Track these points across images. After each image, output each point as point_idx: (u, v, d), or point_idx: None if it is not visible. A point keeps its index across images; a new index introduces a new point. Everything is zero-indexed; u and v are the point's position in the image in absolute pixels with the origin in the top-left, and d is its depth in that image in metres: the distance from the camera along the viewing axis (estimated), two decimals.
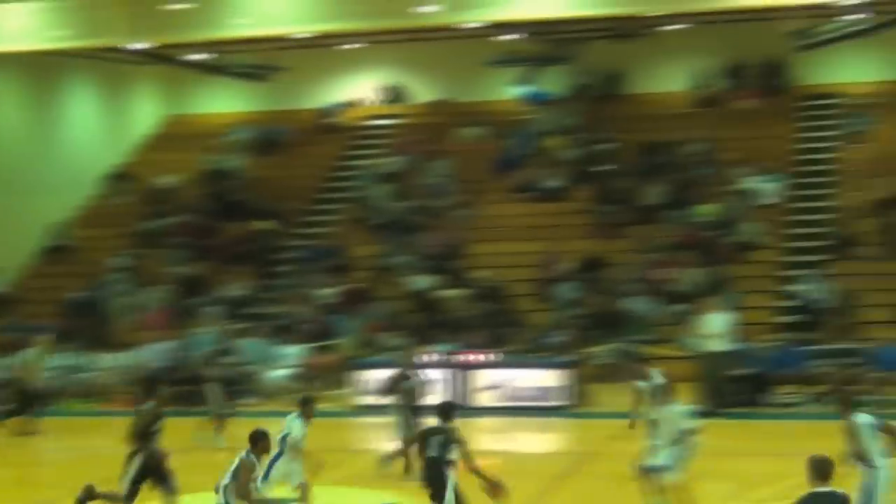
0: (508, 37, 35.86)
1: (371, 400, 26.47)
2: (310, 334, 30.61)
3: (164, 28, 29.91)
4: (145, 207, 37.36)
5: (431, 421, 15.78)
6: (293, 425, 16.17)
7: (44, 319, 31.67)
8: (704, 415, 20.84)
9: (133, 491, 16.12)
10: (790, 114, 36.99)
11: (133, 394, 24.97)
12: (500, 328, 30.24)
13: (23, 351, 27.29)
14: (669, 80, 38.32)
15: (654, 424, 16.82)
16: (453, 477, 14.63)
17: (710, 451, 19.16)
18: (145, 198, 37.81)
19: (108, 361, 30.19)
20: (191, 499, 16.41)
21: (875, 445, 13.95)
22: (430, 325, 30.60)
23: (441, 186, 36.05)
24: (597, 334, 29.70)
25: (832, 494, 11.10)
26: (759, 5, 27.90)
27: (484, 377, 27.02)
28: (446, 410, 15.27)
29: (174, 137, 41.09)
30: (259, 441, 14.29)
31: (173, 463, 16.31)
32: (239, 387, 28.45)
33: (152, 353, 29.66)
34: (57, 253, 36.42)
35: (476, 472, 14.57)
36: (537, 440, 25.19)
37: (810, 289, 29.99)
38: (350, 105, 40.44)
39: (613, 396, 27.01)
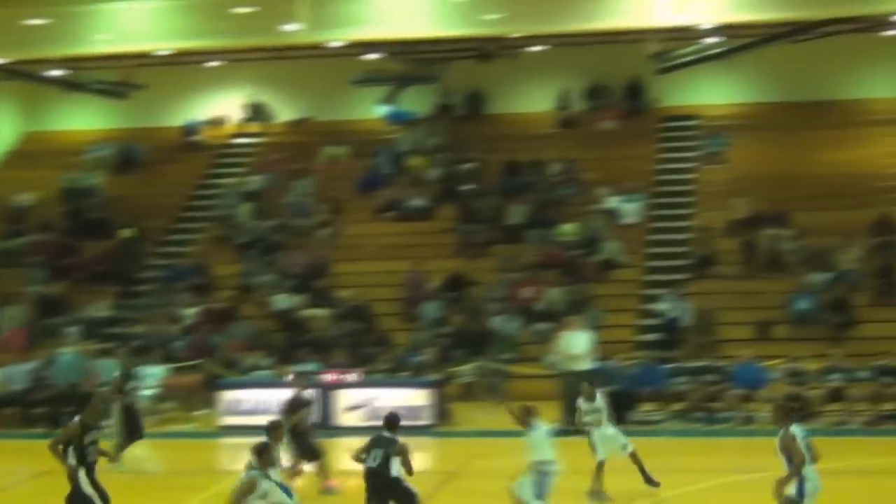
0: (372, 56, 35.97)
1: (234, 420, 26.36)
2: (172, 354, 30.34)
3: (22, 43, 29.60)
4: (2, 225, 36.79)
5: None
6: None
7: None
8: (567, 433, 21.05)
9: None
10: (650, 135, 37.67)
11: None
12: (364, 347, 30.32)
13: None
14: (531, 100, 38.78)
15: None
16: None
17: (573, 469, 19.39)
18: (2, 216, 37.23)
19: None
20: None
21: (807, 456, 14.11)
22: (294, 344, 30.52)
23: (304, 205, 36.04)
24: (461, 353, 29.88)
25: None
26: (618, 28, 28.38)
27: (348, 397, 26.95)
28: (392, 422, 15.62)
29: (32, 154, 40.46)
30: (262, 454, 13.97)
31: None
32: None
33: (10, 375, 29.10)
34: None
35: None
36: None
37: (670, 307, 30.50)
38: (213, 123, 40.24)
39: (477, 415, 27.28)
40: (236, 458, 25.11)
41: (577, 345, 25.38)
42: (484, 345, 30.19)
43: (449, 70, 36.78)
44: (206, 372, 29.66)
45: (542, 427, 16.96)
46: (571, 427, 22.28)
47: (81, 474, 15.38)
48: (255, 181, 37.27)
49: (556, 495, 16.49)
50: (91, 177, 38.16)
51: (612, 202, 34.52)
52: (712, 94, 38.06)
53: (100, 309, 33.03)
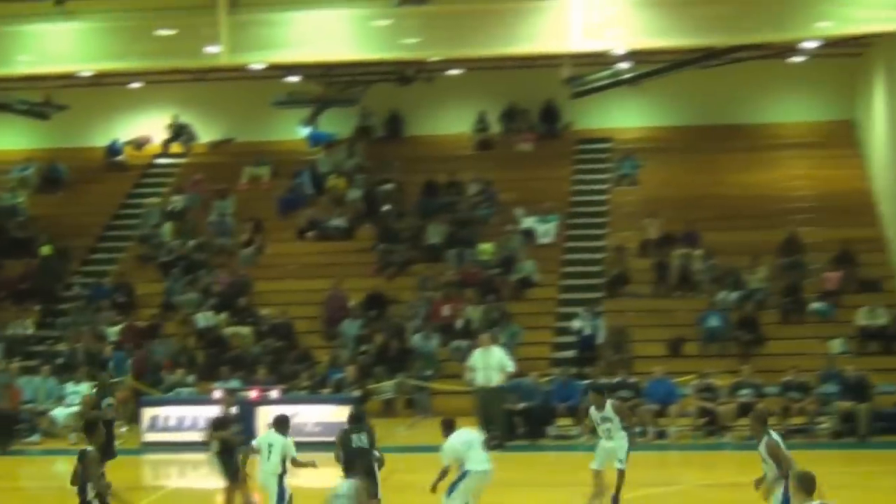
0: (293, 78, 36.36)
1: (157, 437, 26.66)
2: (95, 371, 30.54)
3: None
4: None
5: None
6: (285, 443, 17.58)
7: None
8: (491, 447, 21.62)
9: None
10: (565, 157, 38.28)
11: None
12: (286, 365, 30.64)
13: None
14: (449, 122, 39.32)
15: None
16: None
17: (492, 483, 19.96)
18: None
19: None
20: None
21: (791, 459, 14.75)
22: (217, 362, 30.82)
23: (226, 225, 36.34)
24: (381, 370, 30.30)
25: None
26: (533, 53, 28.84)
27: (269, 413, 27.24)
28: (359, 417, 18.06)
29: None
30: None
31: None
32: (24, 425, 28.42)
33: None
34: None
35: None
36: (322, 475, 25.54)
37: (585, 325, 31.04)
38: (136, 143, 40.41)
39: (397, 431, 27.73)
40: (159, 474, 25.61)
41: (494, 361, 25.90)
42: (404, 362, 30.63)
43: (369, 92, 37.17)
44: (130, 389, 29.92)
45: (462, 434, 17.64)
46: (493, 443, 22.81)
47: None
48: (178, 201, 37.49)
49: None
50: (14, 196, 38.18)
51: (529, 222, 35.09)
52: (625, 117, 38.74)
53: (23, 327, 33.17)
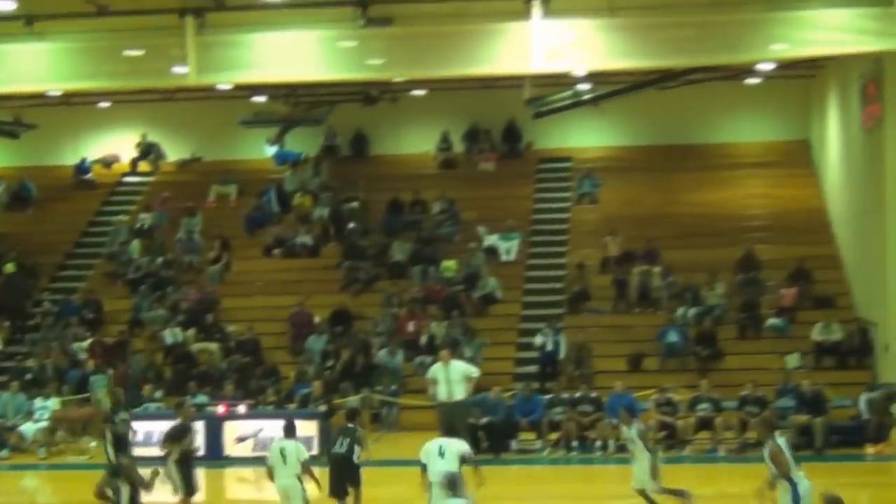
0: (259, 98, 36.74)
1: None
2: (64, 387, 30.82)
3: None
4: None
5: None
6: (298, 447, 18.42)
7: None
8: None
9: None
10: (527, 176, 38.79)
11: None
12: (252, 380, 30.92)
13: None
14: (413, 142, 39.82)
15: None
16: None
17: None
18: None
19: None
20: None
21: (794, 466, 15.41)
22: (184, 377, 31.14)
23: (194, 242, 36.66)
24: (347, 385, 30.63)
25: None
26: (495, 74, 29.15)
27: (237, 428, 27.52)
28: (352, 414, 18.94)
29: None
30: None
31: None
32: None
33: None
34: None
35: None
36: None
37: (547, 341, 31.39)
38: (104, 162, 40.70)
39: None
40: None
41: (453, 376, 26.22)
42: (369, 377, 31.02)
43: (334, 112, 37.53)
44: (98, 405, 30.10)
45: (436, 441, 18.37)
46: None
47: None
48: (146, 218, 37.79)
49: None
50: None
51: (491, 240, 35.55)
52: (585, 137, 39.26)
53: None
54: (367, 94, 36.07)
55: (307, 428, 27.09)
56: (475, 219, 36.37)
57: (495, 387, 28.13)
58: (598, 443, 26.98)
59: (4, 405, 29.81)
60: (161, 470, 17.86)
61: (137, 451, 26.74)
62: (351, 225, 36.58)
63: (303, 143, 39.51)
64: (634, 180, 37.81)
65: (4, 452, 28.54)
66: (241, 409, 27.92)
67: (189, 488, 20.20)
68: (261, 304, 34.53)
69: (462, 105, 38.85)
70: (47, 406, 29.26)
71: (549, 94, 32.44)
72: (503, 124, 39.44)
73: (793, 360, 30.25)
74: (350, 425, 19.42)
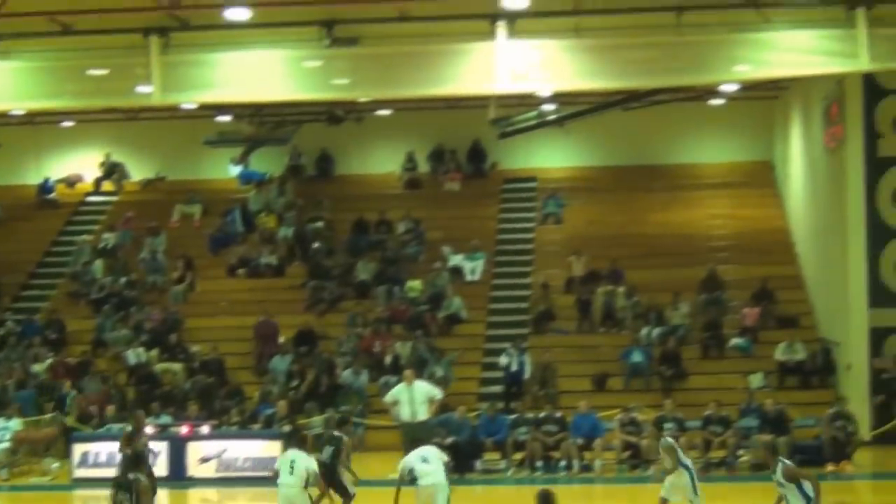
0: (224, 118, 36.73)
1: (87, 473, 26.76)
2: (26, 407, 30.63)
3: None
4: None
5: None
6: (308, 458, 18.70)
7: None
8: (412, 482, 22.04)
9: None
10: (492, 196, 38.91)
11: None
12: (216, 400, 30.86)
13: None
14: (379, 162, 39.87)
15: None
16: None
17: None
18: None
19: None
20: None
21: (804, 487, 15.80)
22: (148, 398, 31.01)
23: (158, 262, 36.55)
24: (311, 406, 30.60)
25: None
26: (460, 94, 29.26)
27: (201, 449, 27.39)
28: (342, 422, 19.57)
29: None
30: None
31: None
32: None
33: None
34: None
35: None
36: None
37: (512, 361, 31.44)
38: (68, 182, 40.59)
39: None
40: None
41: (416, 396, 26.25)
42: (334, 397, 30.96)
43: (299, 132, 37.58)
44: (60, 425, 30.03)
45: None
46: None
47: None
48: (109, 238, 37.68)
49: None
50: None
51: (456, 260, 35.62)
52: (550, 157, 39.37)
53: None
54: (332, 113, 36.07)
55: (271, 448, 27.09)
56: (440, 239, 36.43)
57: (460, 407, 28.13)
58: (563, 463, 26.99)
59: None
60: None
61: (100, 473, 26.76)
62: (316, 245, 36.56)
63: (268, 162, 39.49)
64: (599, 200, 37.98)
65: None
66: (205, 429, 27.79)
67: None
68: (225, 324, 34.46)
69: (427, 125, 38.95)
70: (9, 427, 28.91)
71: (514, 114, 32.52)
72: (468, 144, 39.54)
73: (756, 380, 30.42)
74: (336, 434, 19.82)
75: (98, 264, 36.52)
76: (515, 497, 25.73)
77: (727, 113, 37.63)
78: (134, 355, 32.80)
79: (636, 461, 26.90)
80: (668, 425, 26.90)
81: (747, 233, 36.23)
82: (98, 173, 40.46)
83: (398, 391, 26.39)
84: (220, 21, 25.10)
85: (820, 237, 32.88)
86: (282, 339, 33.04)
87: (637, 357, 31.52)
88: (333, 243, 36.87)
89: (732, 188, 38.08)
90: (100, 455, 27.38)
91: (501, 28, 24.96)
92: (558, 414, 27.96)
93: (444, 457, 19.14)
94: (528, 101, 32.63)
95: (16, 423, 29.14)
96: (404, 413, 26.01)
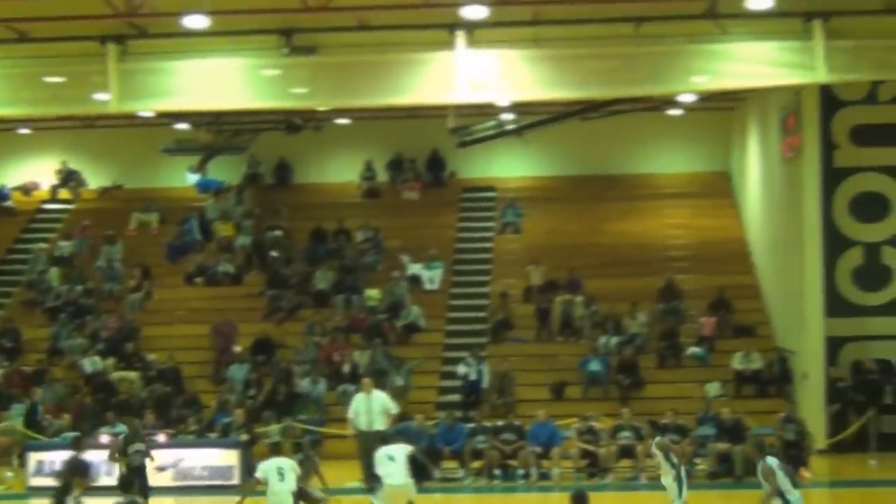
0: (182, 126, 36.62)
1: (42, 481, 26.59)
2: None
3: None
4: None
5: None
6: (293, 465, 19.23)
7: None
8: (367, 491, 22.07)
9: None
10: (450, 205, 38.97)
11: None
12: (173, 409, 30.73)
13: None
14: (337, 171, 39.83)
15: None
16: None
17: None
18: None
19: None
20: None
21: (785, 482, 16.16)
22: (104, 406, 30.83)
23: (114, 270, 36.38)
24: (269, 414, 30.45)
25: None
26: (419, 104, 29.31)
27: (157, 457, 27.28)
28: (314, 443, 19.57)
29: None
30: None
31: None
32: None
33: None
34: None
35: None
36: None
37: (470, 369, 31.51)
38: (24, 189, 40.34)
39: None
40: None
41: (373, 406, 26.21)
42: (291, 406, 30.90)
43: (257, 140, 37.54)
44: (15, 434, 29.83)
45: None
46: (370, 485, 23.09)
47: None
48: (66, 246, 37.47)
49: None
50: None
51: (415, 269, 35.63)
52: (509, 167, 39.48)
53: None
54: (290, 122, 36.00)
55: (228, 458, 27.04)
56: (399, 247, 36.44)
57: (418, 415, 28.09)
58: (521, 471, 27.02)
59: None
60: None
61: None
62: (274, 253, 36.47)
63: (225, 171, 39.42)
64: (557, 210, 38.06)
65: None
66: (161, 438, 27.65)
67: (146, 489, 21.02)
68: (182, 332, 34.35)
69: (386, 134, 38.95)
70: None
71: (473, 123, 32.60)
72: (427, 154, 39.58)
73: (713, 389, 30.56)
74: (311, 454, 20.76)
75: (54, 272, 36.32)
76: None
77: (685, 123, 37.83)
78: (90, 364, 32.61)
79: (594, 469, 26.95)
80: (625, 434, 27.01)
81: (705, 243, 36.42)
82: (54, 181, 40.27)
83: (357, 401, 26.30)
84: (179, 29, 25.03)
85: (777, 247, 33.07)
86: (239, 348, 32.92)
87: (595, 366, 31.59)
88: (291, 252, 36.79)
89: (690, 198, 38.26)
90: (55, 464, 27.10)
91: (461, 38, 25.06)
92: (516, 422, 27.95)
93: (409, 449, 20.00)
94: (487, 111, 32.70)
95: None
96: (361, 422, 25.91)
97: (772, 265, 33.79)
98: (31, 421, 30.36)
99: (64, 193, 40.28)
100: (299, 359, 32.56)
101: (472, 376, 31.41)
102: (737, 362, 31.32)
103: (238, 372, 32.06)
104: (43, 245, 37.96)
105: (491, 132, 33.11)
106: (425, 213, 38.24)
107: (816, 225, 29.97)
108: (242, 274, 36.42)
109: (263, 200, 39.04)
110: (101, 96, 26.59)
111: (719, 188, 38.45)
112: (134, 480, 21.39)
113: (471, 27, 24.93)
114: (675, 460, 19.43)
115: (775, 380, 31.16)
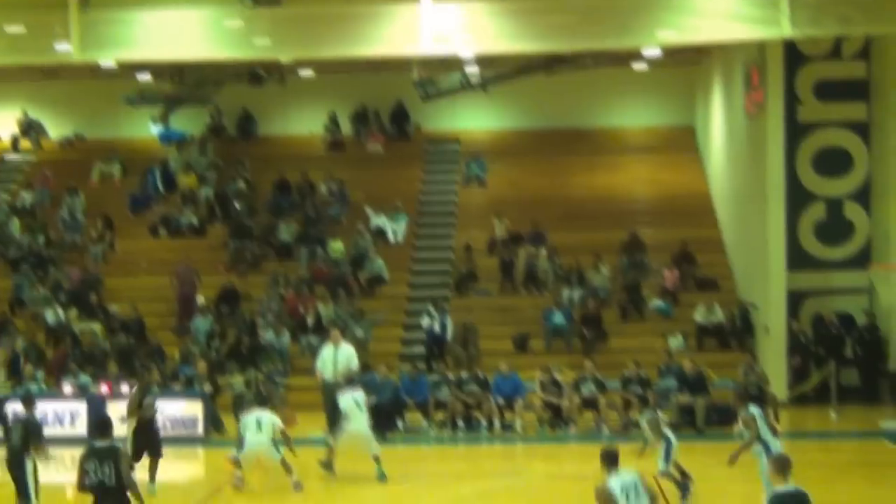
0: (144, 76, 36.39)
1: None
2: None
3: None
4: None
5: None
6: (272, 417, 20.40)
7: None
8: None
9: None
10: (415, 158, 38.92)
11: None
12: (136, 360, 30.68)
13: None
14: (301, 123, 39.69)
15: None
16: None
17: (342, 477, 20.42)
18: None
19: None
20: None
21: (766, 431, 17.11)
22: (67, 357, 30.77)
23: (76, 221, 36.23)
24: (233, 365, 30.50)
25: (796, 492, 12.03)
26: (383, 56, 29.21)
27: (121, 408, 27.29)
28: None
29: None
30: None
31: None
32: None
33: None
34: None
35: None
36: (173, 470, 25.61)
37: (434, 322, 31.56)
38: None
39: None
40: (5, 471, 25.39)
41: (340, 357, 26.15)
42: (255, 357, 30.94)
43: (221, 92, 37.43)
44: None
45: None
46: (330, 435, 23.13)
47: None
48: (27, 197, 37.31)
49: None
50: None
51: (379, 221, 35.65)
52: (473, 120, 39.46)
53: None
54: (254, 73, 35.82)
55: (192, 408, 27.07)
56: (363, 200, 36.37)
57: (381, 366, 28.17)
58: (484, 423, 27.20)
59: None
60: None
61: None
62: (237, 205, 36.36)
63: (189, 122, 39.22)
64: (522, 163, 38.07)
65: None
66: (125, 389, 27.58)
67: (156, 447, 21.43)
68: (145, 284, 34.23)
69: (350, 86, 38.82)
70: None
71: (438, 76, 32.55)
72: (392, 106, 39.46)
73: (675, 342, 30.71)
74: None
75: (15, 223, 36.09)
76: (436, 455, 25.92)
77: (650, 78, 37.87)
78: (52, 315, 32.47)
79: (557, 421, 27.13)
80: (588, 386, 27.17)
81: (668, 196, 36.54)
82: (15, 131, 39.94)
83: (325, 352, 26.29)
84: None
85: (740, 201, 33.23)
86: (202, 300, 32.84)
87: (558, 319, 31.71)
88: (255, 204, 36.69)
89: (654, 152, 38.33)
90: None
91: None
92: (480, 374, 28.11)
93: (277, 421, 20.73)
94: (451, 64, 32.63)
95: None
96: (327, 373, 25.96)
97: (735, 219, 33.96)
98: (14, 370, 30.23)
99: (25, 144, 39.99)
100: (263, 310, 32.52)
101: (436, 328, 31.46)
102: (699, 315, 31.49)
103: (202, 323, 31.99)
104: (4, 196, 37.74)
105: (455, 85, 33.10)
106: (389, 165, 38.16)
107: (780, 179, 30.14)
108: (206, 225, 36.33)
109: (227, 152, 38.88)
110: (62, 46, 26.39)
111: (683, 142, 38.54)
112: (154, 437, 21.65)
113: None
114: (667, 433, 19.29)
115: (737, 333, 31.37)
